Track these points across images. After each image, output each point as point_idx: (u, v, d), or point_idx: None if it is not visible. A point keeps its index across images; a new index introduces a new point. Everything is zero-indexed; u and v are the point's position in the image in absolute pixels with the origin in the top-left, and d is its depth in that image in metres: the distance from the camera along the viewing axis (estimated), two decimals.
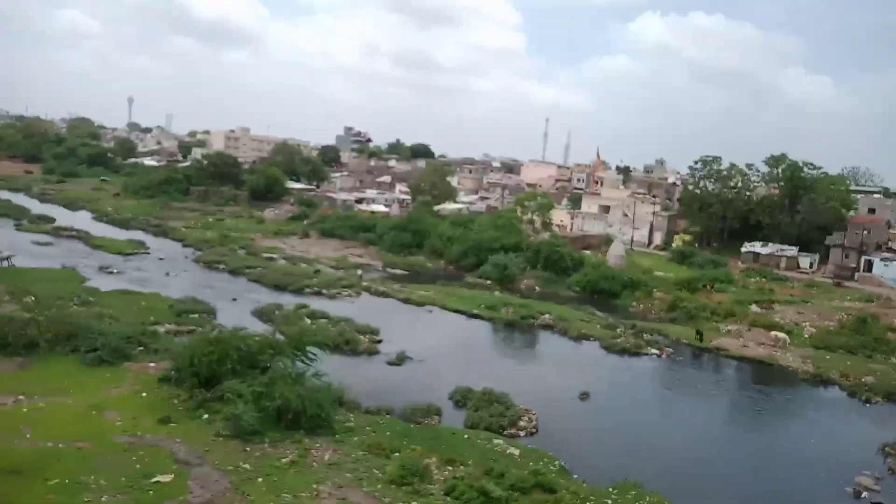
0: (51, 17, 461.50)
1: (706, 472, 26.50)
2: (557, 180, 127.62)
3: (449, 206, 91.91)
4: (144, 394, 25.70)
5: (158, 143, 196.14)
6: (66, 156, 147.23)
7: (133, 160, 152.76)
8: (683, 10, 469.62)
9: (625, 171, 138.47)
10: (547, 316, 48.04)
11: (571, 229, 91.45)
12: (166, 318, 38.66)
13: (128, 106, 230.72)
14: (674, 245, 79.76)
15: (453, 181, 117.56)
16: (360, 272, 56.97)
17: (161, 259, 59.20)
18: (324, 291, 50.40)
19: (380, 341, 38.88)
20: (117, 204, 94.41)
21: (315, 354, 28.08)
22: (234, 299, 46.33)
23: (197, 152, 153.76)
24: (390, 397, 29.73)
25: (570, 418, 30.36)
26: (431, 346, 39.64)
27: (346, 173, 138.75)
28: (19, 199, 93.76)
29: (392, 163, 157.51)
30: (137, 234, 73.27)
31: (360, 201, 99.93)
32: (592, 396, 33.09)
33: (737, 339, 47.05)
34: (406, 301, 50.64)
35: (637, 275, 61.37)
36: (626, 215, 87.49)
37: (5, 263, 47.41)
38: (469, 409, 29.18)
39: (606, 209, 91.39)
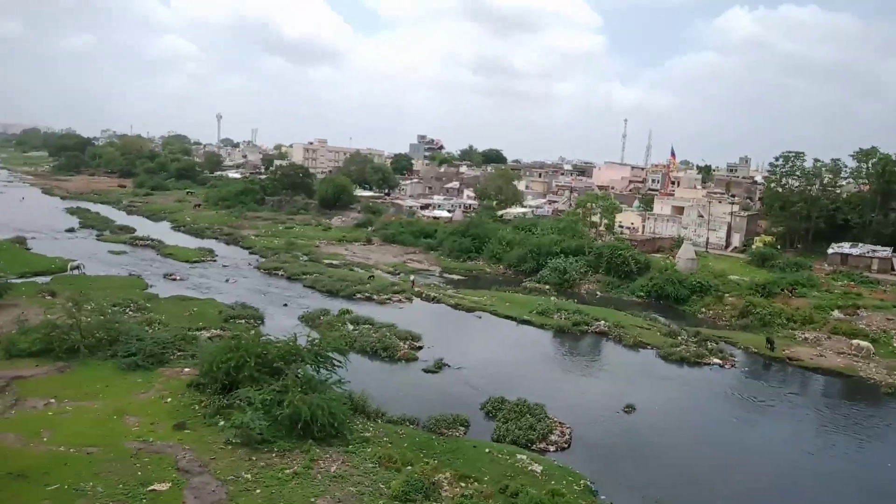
0: (154, 44, 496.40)
1: (757, 496, 23.88)
2: (631, 181, 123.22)
3: (514, 210, 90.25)
4: (169, 399, 25.92)
5: (244, 156, 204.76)
6: (157, 170, 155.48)
7: (219, 173, 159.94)
8: (773, 3, 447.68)
9: (705, 171, 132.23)
10: (602, 322, 45.72)
11: (643, 231, 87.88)
12: (214, 323, 39.32)
13: (217, 123, 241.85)
14: (753, 247, 74.67)
15: (521, 185, 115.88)
16: (412, 277, 56.38)
17: (225, 266, 60.93)
18: (374, 297, 50.14)
19: (420, 348, 38.04)
20: (197, 214, 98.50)
21: (340, 361, 27.50)
22: (286, 304, 46.76)
23: (278, 164, 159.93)
24: (420, 406, 28.78)
25: (610, 433, 28.30)
26: (473, 353, 38.46)
27: (416, 180, 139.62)
28: (108, 211, 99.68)
29: (463, 169, 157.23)
30: (210, 243, 75.59)
31: (426, 207, 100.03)
32: (639, 409, 30.86)
33: (814, 348, 43.14)
34: (456, 307, 49.59)
35: (707, 279, 57.61)
36: (701, 216, 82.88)
37: (76, 272, 49.96)
38: (499, 420, 27.76)
39: (681, 210, 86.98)
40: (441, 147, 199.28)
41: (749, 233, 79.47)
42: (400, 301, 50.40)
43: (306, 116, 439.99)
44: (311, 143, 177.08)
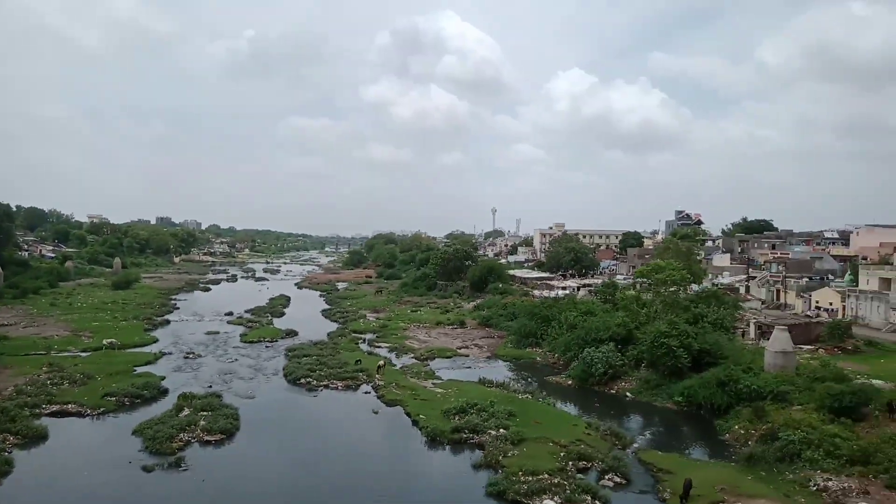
0: (507, 153, 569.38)
1: None
2: None
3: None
4: None
5: (506, 244, 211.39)
6: (408, 262, 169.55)
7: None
8: None
9: None
10: (499, 432, 33.82)
11: (843, 313, 64.50)
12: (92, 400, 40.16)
13: (492, 216, 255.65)
14: None
15: (722, 260, 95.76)
16: (381, 363, 49.92)
17: (267, 347, 61.82)
18: (312, 383, 45.85)
19: (210, 442, 33.04)
20: (368, 300, 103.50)
21: None
22: (210, 386, 45.19)
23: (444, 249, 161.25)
24: None
25: None
26: (255, 458, 31.93)
27: (624, 260, 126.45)
28: (310, 297, 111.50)
29: (709, 244, 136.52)
30: (331, 325, 78.61)
31: (585, 287, 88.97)
32: None
33: None
34: (381, 398, 42.23)
35: (774, 383, 38.42)
36: None
37: (111, 349, 56.69)
38: None
39: (889, 284, 61.13)
40: (699, 222, 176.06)
41: None
42: (337, 389, 45.11)
43: (639, 202, 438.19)
44: (551, 228, 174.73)
